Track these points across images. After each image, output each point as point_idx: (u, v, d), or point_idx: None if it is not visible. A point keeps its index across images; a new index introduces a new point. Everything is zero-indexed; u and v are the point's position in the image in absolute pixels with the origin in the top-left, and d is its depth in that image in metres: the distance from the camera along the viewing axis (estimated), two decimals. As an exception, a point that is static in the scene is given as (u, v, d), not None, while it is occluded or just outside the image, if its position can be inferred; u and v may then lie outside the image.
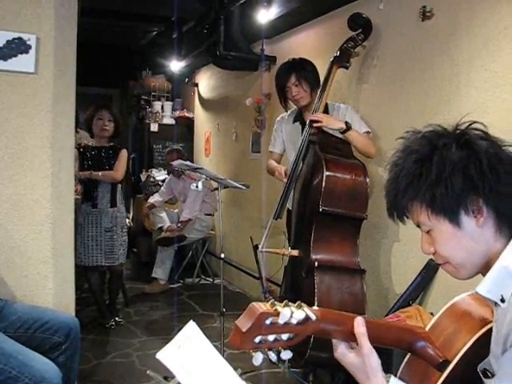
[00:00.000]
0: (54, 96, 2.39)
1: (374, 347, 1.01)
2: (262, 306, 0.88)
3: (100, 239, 3.90)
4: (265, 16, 3.95)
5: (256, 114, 4.80)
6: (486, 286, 1.03)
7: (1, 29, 2.30)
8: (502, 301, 0.99)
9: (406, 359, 1.13)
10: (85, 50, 3.26)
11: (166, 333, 3.88)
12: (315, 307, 0.96)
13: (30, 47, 2.31)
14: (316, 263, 2.57)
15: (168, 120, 6.67)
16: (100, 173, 3.91)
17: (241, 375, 2.96)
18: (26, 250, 2.38)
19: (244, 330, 0.86)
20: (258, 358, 0.90)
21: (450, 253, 1.06)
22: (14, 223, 2.36)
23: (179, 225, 5.22)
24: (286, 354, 0.92)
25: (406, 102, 2.99)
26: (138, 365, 3.39)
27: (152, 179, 6.12)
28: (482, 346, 1.05)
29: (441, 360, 1.04)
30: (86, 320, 4.00)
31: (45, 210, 2.40)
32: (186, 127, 6.73)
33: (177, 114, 6.70)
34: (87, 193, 3.96)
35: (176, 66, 5.96)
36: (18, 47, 2.30)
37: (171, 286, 5.27)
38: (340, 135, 2.92)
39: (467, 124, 1.07)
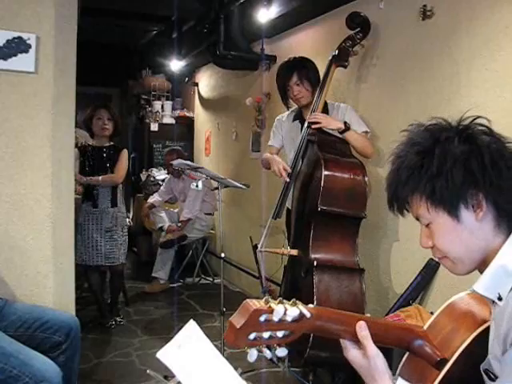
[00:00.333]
0: (54, 95, 2.39)
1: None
2: (255, 303, 0.88)
3: (100, 239, 3.90)
4: (265, 15, 3.95)
5: (256, 114, 4.80)
6: (483, 284, 1.03)
7: (1, 28, 2.30)
8: (500, 299, 1.00)
9: (404, 358, 1.14)
10: (85, 50, 3.26)
11: (166, 332, 3.89)
12: (311, 305, 0.96)
13: (30, 46, 2.31)
14: (315, 262, 2.57)
15: (168, 119, 6.67)
16: (100, 178, 3.89)
17: (241, 374, 2.96)
18: (27, 249, 2.38)
19: (238, 326, 0.86)
20: (252, 355, 0.90)
21: (449, 246, 1.06)
22: (14, 223, 2.36)
23: (179, 224, 5.22)
24: (282, 352, 0.92)
25: (406, 102, 2.99)
26: (138, 364, 3.40)
27: (152, 179, 6.12)
28: (480, 345, 1.05)
29: (438, 358, 1.04)
30: (86, 319, 4.00)
31: (45, 210, 2.40)
32: (186, 127, 6.72)
33: (177, 113, 6.70)
34: (88, 192, 3.96)
35: (176, 65, 5.96)
36: (18, 46, 2.30)
37: (171, 285, 5.28)
38: (338, 134, 2.93)
39: (471, 119, 1.07)
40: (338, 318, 1.01)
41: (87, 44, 4.51)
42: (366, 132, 2.96)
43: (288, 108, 3.25)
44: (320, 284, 2.54)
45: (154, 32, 6.38)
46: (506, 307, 0.97)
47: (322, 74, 3.01)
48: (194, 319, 1.15)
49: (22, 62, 2.32)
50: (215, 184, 3.59)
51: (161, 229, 5.31)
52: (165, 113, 6.68)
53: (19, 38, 2.30)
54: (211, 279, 5.57)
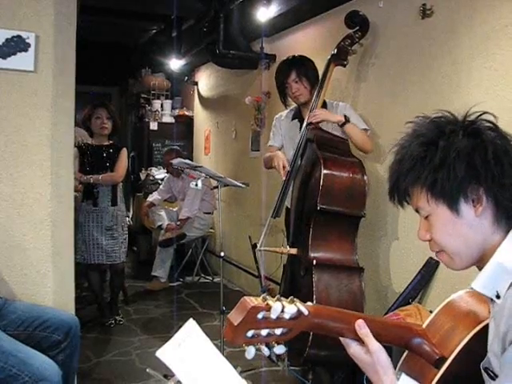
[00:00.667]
0: (53, 94, 2.39)
1: None
2: (253, 300, 0.88)
3: (101, 238, 3.91)
4: (264, 14, 3.95)
5: (255, 113, 4.80)
6: (481, 282, 1.03)
7: (0, 27, 2.29)
8: (498, 297, 1.00)
9: (403, 356, 1.14)
10: (84, 49, 3.26)
11: (165, 331, 3.89)
12: (309, 303, 0.96)
13: (29, 45, 2.31)
14: (314, 261, 2.57)
15: (167, 118, 6.67)
16: (100, 177, 3.89)
17: (240, 373, 2.96)
18: (26, 248, 2.38)
19: (236, 323, 0.86)
20: (250, 352, 0.90)
21: (446, 240, 1.06)
22: (13, 222, 2.36)
23: (178, 223, 5.22)
24: (280, 349, 0.92)
25: (406, 101, 2.99)
26: (137, 363, 3.40)
27: (151, 178, 6.12)
28: (479, 343, 1.05)
29: (437, 357, 1.05)
30: (86, 318, 4.00)
31: (44, 209, 2.40)
32: (185, 126, 6.72)
33: (176, 112, 6.70)
34: (88, 191, 3.96)
35: (175, 64, 5.95)
36: (17, 45, 2.30)
37: (171, 284, 5.28)
38: (338, 132, 2.93)
39: (477, 114, 1.07)
40: (336, 315, 1.01)
41: (87, 43, 4.52)
42: (366, 129, 2.97)
43: (286, 106, 3.25)
44: (319, 283, 2.54)
45: (154, 31, 6.38)
46: (505, 305, 0.97)
47: (321, 73, 3.01)
48: (194, 318, 1.15)
49: (21, 60, 2.31)
50: (215, 183, 3.59)
51: (160, 227, 5.31)
52: (164, 112, 6.68)
53: (18, 36, 2.30)
54: (211, 278, 5.57)
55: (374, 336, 1.01)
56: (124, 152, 4.05)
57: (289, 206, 3.08)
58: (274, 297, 0.91)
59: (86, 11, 3.83)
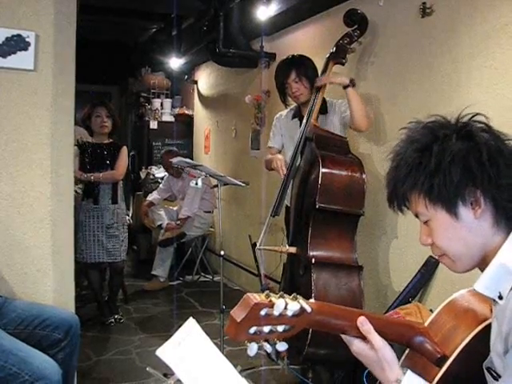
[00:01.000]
0: (53, 93, 2.38)
1: None
2: (256, 297, 0.88)
3: (101, 236, 3.91)
4: (264, 13, 3.94)
5: (255, 111, 4.80)
6: (483, 283, 1.03)
7: (0, 26, 2.29)
8: (500, 298, 1.00)
9: (404, 354, 1.14)
10: (84, 48, 3.26)
11: (165, 330, 3.89)
12: (312, 300, 0.96)
13: (29, 44, 2.31)
14: (313, 260, 2.57)
15: (167, 117, 6.67)
16: (101, 174, 3.91)
17: (240, 372, 2.96)
18: (26, 246, 2.38)
19: (238, 320, 0.86)
20: (252, 348, 0.91)
21: (447, 244, 1.06)
22: (13, 220, 2.36)
23: (178, 222, 5.22)
24: (282, 346, 0.93)
25: (406, 100, 2.99)
26: (137, 362, 3.40)
27: (151, 176, 6.12)
28: (481, 342, 1.05)
29: (439, 355, 1.05)
30: (86, 317, 4.00)
31: (44, 207, 2.40)
32: (185, 124, 6.72)
33: (176, 111, 6.70)
34: (88, 190, 3.96)
35: (175, 63, 5.95)
36: (17, 44, 2.30)
37: (171, 283, 5.28)
38: (337, 131, 2.93)
39: (470, 116, 1.07)
40: (338, 313, 1.01)
41: (87, 42, 4.52)
42: None
43: (286, 106, 3.25)
44: (318, 281, 2.54)
45: (154, 30, 6.38)
46: (507, 306, 0.97)
47: (320, 72, 3.01)
48: (194, 317, 1.15)
49: (21, 59, 2.31)
50: (215, 182, 3.59)
51: (160, 227, 5.31)
52: (164, 111, 6.67)
53: (18, 35, 2.30)
54: (211, 277, 5.57)
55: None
56: (124, 150, 4.06)
57: (288, 205, 3.08)
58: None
59: (85, 10, 3.83)
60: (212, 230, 5.67)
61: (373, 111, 3.20)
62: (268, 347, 0.91)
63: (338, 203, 2.61)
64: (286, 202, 3.05)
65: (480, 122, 1.06)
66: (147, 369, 2.26)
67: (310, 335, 2.39)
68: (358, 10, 3.02)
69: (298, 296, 0.93)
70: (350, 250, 2.66)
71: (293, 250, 2.80)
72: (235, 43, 4.58)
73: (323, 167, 2.60)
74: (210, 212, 5.45)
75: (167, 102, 6.74)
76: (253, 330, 0.88)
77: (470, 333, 1.07)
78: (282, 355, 2.80)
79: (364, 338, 1.02)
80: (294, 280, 2.83)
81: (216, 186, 3.43)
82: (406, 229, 2.97)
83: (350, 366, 2.59)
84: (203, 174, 3.55)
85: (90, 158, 3.96)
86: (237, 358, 2.90)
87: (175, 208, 5.55)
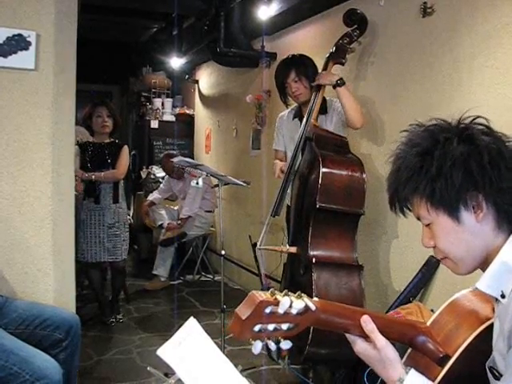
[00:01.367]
0: (54, 93, 2.38)
1: None
2: (261, 295, 0.88)
3: (103, 235, 3.91)
4: (265, 12, 3.94)
5: (256, 111, 4.80)
6: (485, 282, 1.03)
7: (1, 25, 2.29)
8: (503, 296, 1.00)
9: (407, 353, 1.14)
10: (85, 47, 3.26)
11: (166, 329, 3.89)
12: (316, 298, 0.97)
13: (30, 44, 2.31)
14: (314, 259, 2.57)
15: (168, 117, 6.67)
16: (102, 174, 3.91)
17: (241, 372, 2.96)
18: (27, 246, 2.38)
19: (243, 317, 0.86)
20: (257, 347, 0.91)
21: (449, 247, 1.06)
22: (14, 220, 2.36)
23: (179, 222, 5.22)
24: (286, 344, 0.93)
25: (406, 100, 2.99)
26: (138, 361, 3.40)
27: (152, 176, 6.12)
28: (483, 342, 1.05)
29: (441, 355, 1.05)
30: (87, 317, 4.01)
31: (45, 207, 2.40)
32: (186, 124, 6.72)
33: (177, 110, 6.70)
34: (90, 189, 3.96)
35: (176, 62, 5.95)
36: (18, 44, 2.30)
37: (172, 282, 5.28)
38: (337, 131, 2.93)
39: (471, 119, 1.06)
40: (341, 311, 1.01)
41: (87, 41, 4.52)
42: None
43: (287, 106, 3.25)
44: (319, 281, 2.54)
45: (155, 29, 6.38)
46: (510, 304, 0.97)
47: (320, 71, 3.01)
48: (194, 316, 1.15)
49: (22, 59, 2.31)
50: (215, 181, 3.59)
51: (160, 226, 5.31)
52: (165, 110, 6.67)
53: (19, 35, 2.30)
54: (211, 276, 5.57)
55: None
56: (125, 149, 4.06)
57: (289, 204, 3.08)
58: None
59: (86, 9, 3.83)
60: (213, 229, 5.67)
61: (373, 111, 3.20)
62: (273, 345, 0.91)
63: (338, 203, 2.61)
64: (287, 201, 3.05)
65: (481, 125, 1.05)
66: (148, 368, 2.25)
67: (310, 335, 2.39)
68: (357, 9, 3.02)
69: (303, 294, 0.93)
70: (351, 250, 2.66)
71: (293, 249, 2.80)
72: (236, 43, 4.58)
73: (323, 167, 2.60)
74: (210, 211, 5.45)
75: (168, 102, 6.74)
76: (257, 327, 0.88)
77: (473, 332, 1.07)
78: (283, 355, 2.80)
79: (367, 337, 1.03)
80: (295, 280, 2.83)
81: (217, 185, 3.43)
82: (406, 228, 2.97)
83: (351, 366, 2.59)
84: (204, 173, 3.55)
85: (91, 157, 3.96)
86: (237, 357, 2.90)
87: (176, 208, 5.55)
